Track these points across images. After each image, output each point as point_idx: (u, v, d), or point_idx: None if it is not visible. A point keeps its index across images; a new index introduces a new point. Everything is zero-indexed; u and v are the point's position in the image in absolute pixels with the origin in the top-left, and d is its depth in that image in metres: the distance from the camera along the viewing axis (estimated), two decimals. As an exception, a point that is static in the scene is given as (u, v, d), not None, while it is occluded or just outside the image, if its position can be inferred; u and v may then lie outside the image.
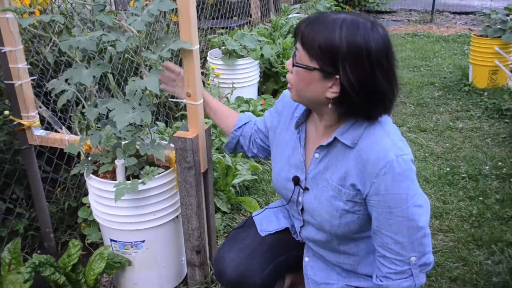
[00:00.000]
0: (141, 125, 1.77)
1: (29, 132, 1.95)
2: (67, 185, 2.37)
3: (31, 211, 2.22)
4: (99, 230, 2.11)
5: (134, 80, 1.54)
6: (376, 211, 1.25)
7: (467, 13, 8.55)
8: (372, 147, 1.23)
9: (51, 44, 2.30)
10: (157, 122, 2.84)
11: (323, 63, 1.18)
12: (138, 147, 1.69)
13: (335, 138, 1.29)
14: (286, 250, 1.56)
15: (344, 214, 1.31)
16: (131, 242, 1.79)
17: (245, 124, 1.68)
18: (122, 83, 2.69)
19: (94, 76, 1.58)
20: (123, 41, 1.54)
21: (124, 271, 1.87)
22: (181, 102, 1.65)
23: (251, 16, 5.34)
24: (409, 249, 1.24)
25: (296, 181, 1.42)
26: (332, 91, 1.20)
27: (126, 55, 1.65)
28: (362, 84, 1.17)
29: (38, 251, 2.19)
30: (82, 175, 2.42)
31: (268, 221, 1.61)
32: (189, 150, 1.64)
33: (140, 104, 1.61)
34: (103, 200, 1.73)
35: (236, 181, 2.53)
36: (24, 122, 1.91)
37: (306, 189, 1.41)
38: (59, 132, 1.98)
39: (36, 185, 2.07)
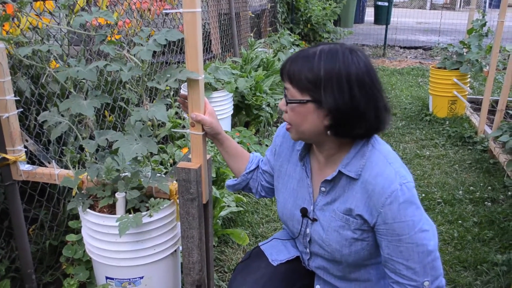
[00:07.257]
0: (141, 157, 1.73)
1: (14, 167, 1.85)
2: (47, 223, 2.25)
3: (10, 252, 2.09)
4: (86, 269, 2.01)
5: (138, 111, 1.51)
6: (385, 239, 1.26)
7: (416, 48, 9.02)
8: (376, 178, 1.25)
9: (31, 75, 2.22)
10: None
11: (313, 93, 1.22)
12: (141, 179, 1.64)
13: (339, 172, 1.31)
14: (298, 279, 1.55)
15: (354, 242, 1.32)
16: (129, 279, 1.71)
17: (257, 167, 1.64)
18: (108, 113, 2.62)
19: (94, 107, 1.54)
20: (126, 71, 1.51)
21: (120, 311, 1.78)
22: (185, 132, 1.62)
23: (212, 52, 5.40)
24: (421, 274, 1.25)
25: (304, 212, 1.43)
26: (328, 118, 1.24)
27: (127, 85, 1.62)
28: (344, 106, 1.21)
29: (19, 294, 2.05)
30: (61, 212, 2.33)
31: (277, 250, 1.59)
32: (193, 181, 1.60)
33: (140, 135, 1.58)
34: (101, 236, 1.65)
35: (222, 213, 2.49)
36: (10, 156, 1.82)
37: (314, 220, 1.41)
38: (46, 166, 1.90)
39: (18, 223, 1.95)
